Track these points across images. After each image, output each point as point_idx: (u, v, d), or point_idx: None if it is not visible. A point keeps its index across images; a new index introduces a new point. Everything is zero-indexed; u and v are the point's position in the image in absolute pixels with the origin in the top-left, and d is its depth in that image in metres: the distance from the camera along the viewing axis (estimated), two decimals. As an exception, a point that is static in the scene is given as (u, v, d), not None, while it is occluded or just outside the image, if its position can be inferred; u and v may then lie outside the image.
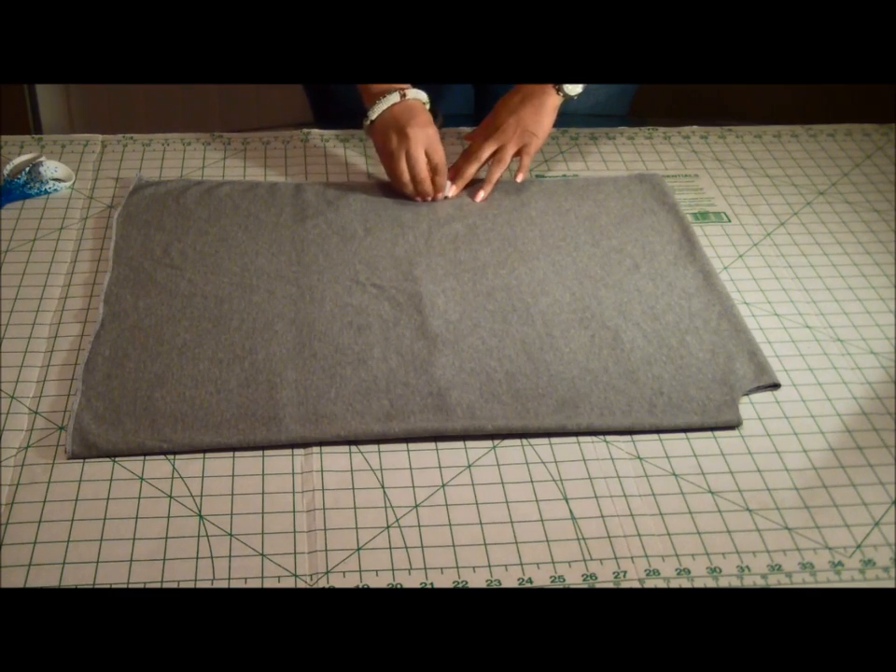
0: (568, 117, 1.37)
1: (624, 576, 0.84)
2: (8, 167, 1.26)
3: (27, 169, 1.26)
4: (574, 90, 1.27)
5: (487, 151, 1.26)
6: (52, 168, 1.26)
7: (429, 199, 1.24)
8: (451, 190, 1.25)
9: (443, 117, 1.39)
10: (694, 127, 1.46)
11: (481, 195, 1.25)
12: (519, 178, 1.27)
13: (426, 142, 1.21)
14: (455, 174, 1.26)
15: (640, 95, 1.54)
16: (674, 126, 1.46)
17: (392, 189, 1.26)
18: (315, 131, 1.40)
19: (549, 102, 1.27)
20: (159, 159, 1.33)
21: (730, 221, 1.26)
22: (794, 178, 1.36)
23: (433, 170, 1.23)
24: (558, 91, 1.26)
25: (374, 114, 1.22)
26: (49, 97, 2.28)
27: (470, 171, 1.26)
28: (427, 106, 1.25)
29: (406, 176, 1.22)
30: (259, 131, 1.41)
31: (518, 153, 1.26)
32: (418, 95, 1.24)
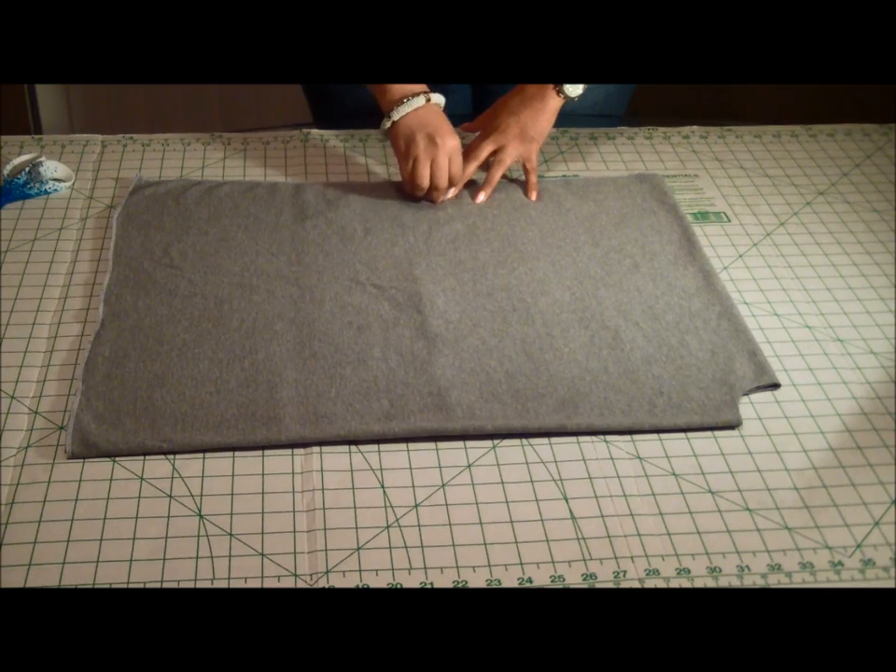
0: (568, 117, 1.37)
1: (624, 576, 0.84)
2: (8, 167, 1.26)
3: (27, 169, 1.26)
4: (575, 91, 1.26)
5: (487, 151, 1.26)
6: (52, 168, 1.26)
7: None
8: (451, 191, 1.25)
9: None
10: (694, 127, 1.46)
11: (481, 196, 1.25)
12: (534, 197, 1.26)
13: (451, 152, 1.20)
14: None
15: (640, 95, 1.54)
16: (674, 126, 1.46)
17: (392, 189, 1.26)
18: (315, 131, 1.40)
19: (549, 104, 1.27)
20: (159, 159, 1.33)
21: (730, 221, 1.26)
22: (794, 178, 1.36)
23: (451, 179, 1.22)
24: (559, 92, 1.26)
25: (398, 115, 1.21)
26: (49, 97, 2.28)
27: (469, 171, 1.26)
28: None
29: (426, 182, 1.21)
30: (259, 131, 1.41)
31: (524, 169, 1.27)
32: (439, 100, 1.24)
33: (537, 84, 1.27)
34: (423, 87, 1.22)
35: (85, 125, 2.30)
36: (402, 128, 1.21)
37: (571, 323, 1.06)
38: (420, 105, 1.21)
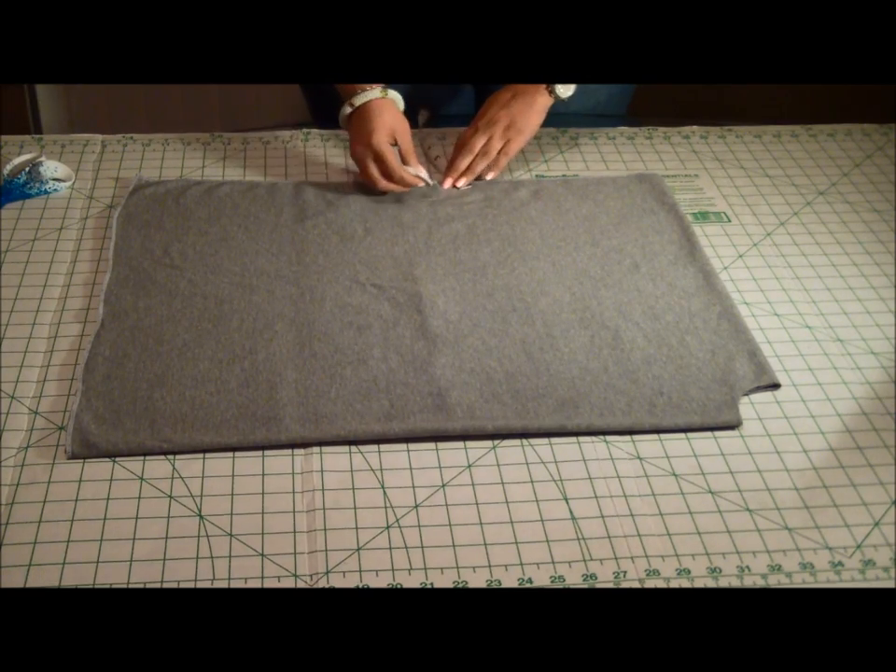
0: (569, 117, 1.37)
1: (624, 576, 0.84)
2: (8, 167, 1.26)
3: (27, 169, 1.26)
4: (565, 92, 1.29)
5: (478, 143, 1.28)
6: (52, 168, 1.26)
7: (411, 187, 1.25)
8: (446, 182, 1.27)
9: (430, 115, 1.41)
10: (694, 127, 1.46)
11: (462, 182, 1.27)
12: (489, 176, 1.28)
13: (376, 148, 1.22)
14: (448, 167, 1.28)
15: (640, 95, 1.54)
16: (674, 126, 1.46)
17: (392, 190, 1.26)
18: (315, 131, 1.40)
19: (539, 101, 1.29)
20: (159, 159, 1.33)
21: (730, 221, 1.26)
22: (794, 178, 1.36)
23: (402, 158, 1.24)
24: (550, 92, 1.28)
25: (342, 121, 1.27)
26: (49, 97, 2.28)
27: (463, 163, 1.27)
28: (399, 104, 1.27)
29: (380, 182, 1.23)
30: (259, 131, 1.41)
31: (498, 151, 1.28)
32: (373, 95, 1.24)
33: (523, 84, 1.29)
34: (364, 86, 1.25)
35: (85, 125, 2.30)
36: (349, 132, 1.26)
37: (571, 323, 1.06)
38: (350, 111, 1.25)
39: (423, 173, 1.25)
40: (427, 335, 1.04)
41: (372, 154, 1.22)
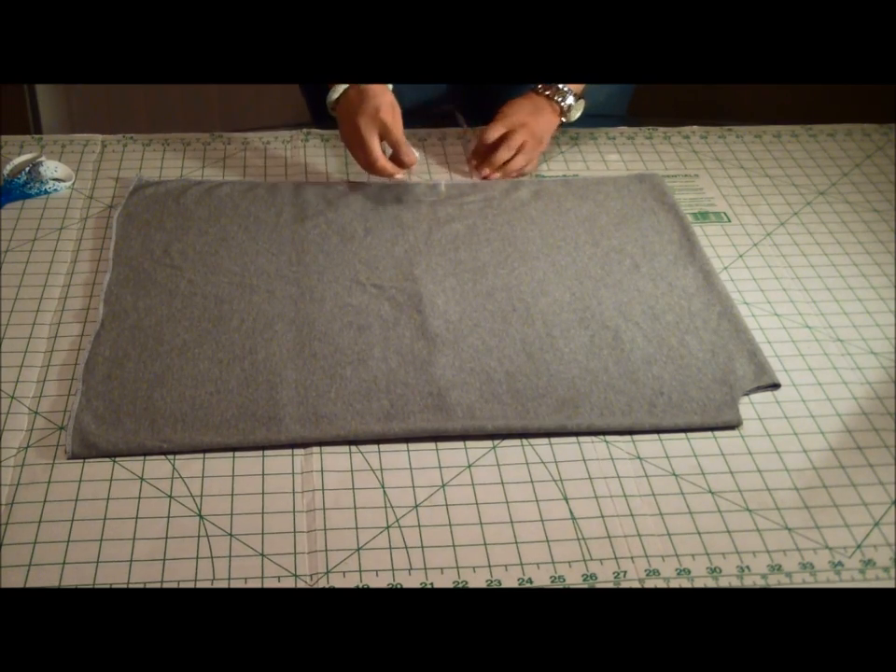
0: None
1: (624, 576, 0.84)
2: (8, 167, 1.26)
3: (27, 169, 1.26)
4: (574, 115, 1.32)
5: (519, 141, 1.28)
6: (52, 168, 1.26)
7: (399, 174, 1.24)
8: (484, 172, 1.29)
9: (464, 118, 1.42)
10: (694, 127, 1.46)
11: (496, 175, 1.29)
12: (528, 168, 1.30)
13: (379, 126, 1.20)
14: (483, 159, 1.30)
15: (640, 95, 1.54)
16: (674, 126, 1.46)
17: (392, 189, 1.26)
18: (315, 131, 1.40)
19: (554, 122, 1.31)
20: (159, 159, 1.33)
21: (730, 221, 1.26)
22: (794, 178, 1.36)
23: (392, 146, 1.23)
24: (561, 116, 1.31)
25: (329, 105, 1.25)
26: (49, 97, 2.28)
27: (503, 157, 1.29)
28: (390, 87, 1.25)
29: (363, 163, 1.23)
30: (259, 131, 1.41)
31: (517, 147, 1.29)
32: None
33: (544, 101, 1.31)
34: None
35: (85, 125, 2.30)
36: (339, 116, 1.24)
37: (571, 323, 1.06)
38: (346, 87, 1.23)
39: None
40: (426, 335, 1.04)
41: (379, 127, 1.20)
